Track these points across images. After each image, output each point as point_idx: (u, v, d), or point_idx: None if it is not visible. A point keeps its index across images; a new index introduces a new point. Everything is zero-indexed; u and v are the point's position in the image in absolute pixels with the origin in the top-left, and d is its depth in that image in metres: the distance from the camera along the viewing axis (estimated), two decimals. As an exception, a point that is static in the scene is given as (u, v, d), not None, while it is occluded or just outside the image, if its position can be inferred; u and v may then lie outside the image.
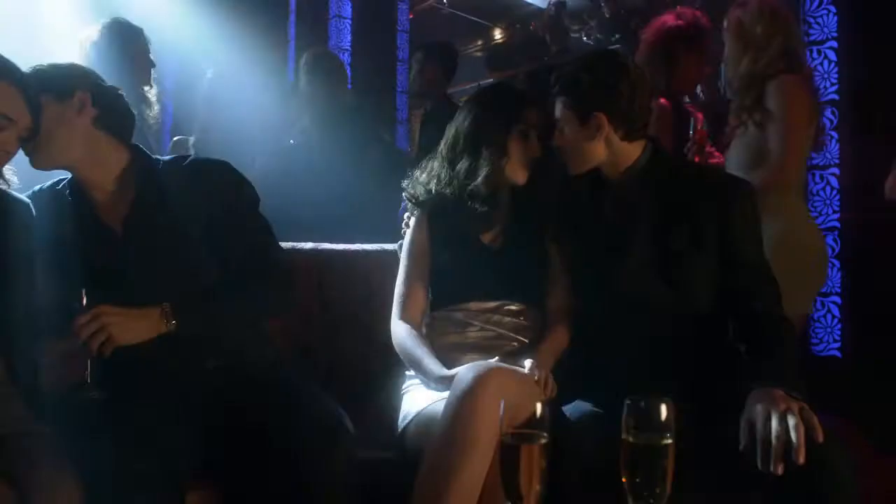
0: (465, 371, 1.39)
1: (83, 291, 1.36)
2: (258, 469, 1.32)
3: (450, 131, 1.79)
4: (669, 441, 0.90)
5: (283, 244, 1.70)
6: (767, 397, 1.23)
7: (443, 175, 1.75)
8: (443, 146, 1.78)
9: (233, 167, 1.61)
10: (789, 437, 1.16)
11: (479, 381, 1.33)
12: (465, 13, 8.85)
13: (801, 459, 1.13)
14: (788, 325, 1.47)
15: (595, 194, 1.65)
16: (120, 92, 1.58)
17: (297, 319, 1.93)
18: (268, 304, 1.60)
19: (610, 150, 1.57)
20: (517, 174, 1.69)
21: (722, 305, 1.51)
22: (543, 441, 0.90)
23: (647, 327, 1.51)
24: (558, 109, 1.60)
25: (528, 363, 1.49)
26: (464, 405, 1.31)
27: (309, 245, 2.09)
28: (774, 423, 1.17)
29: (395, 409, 1.67)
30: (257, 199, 1.61)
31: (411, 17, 6.91)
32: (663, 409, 0.90)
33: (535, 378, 1.45)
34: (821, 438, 1.17)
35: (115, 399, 1.35)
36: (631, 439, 0.91)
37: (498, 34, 9.39)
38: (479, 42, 9.55)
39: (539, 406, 0.92)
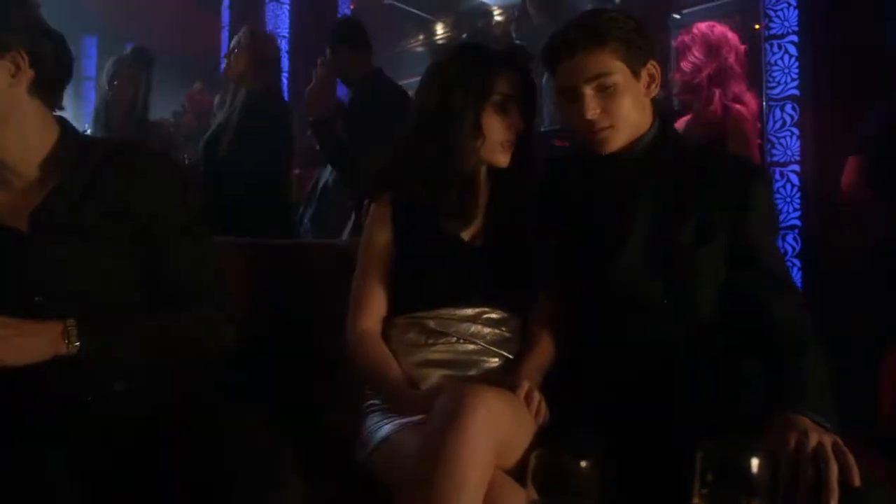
0: (446, 395, 1.13)
1: None
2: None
3: (413, 107, 1.52)
4: (759, 506, 0.65)
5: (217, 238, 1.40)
6: (793, 427, 1.04)
7: (408, 161, 1.48)
8: (406, 126, 1.51)
9: (179, 165, 1.31)
10: (819, 479, 0.97)
11: (467, 408, 1.06)
12: (408, 6, 8.63)
13: None
14: (814, 335, 1.24)
15: (589, 174, 1.42)
16: (61, 37, 1.24)
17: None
18: (197, 338, 1.29)
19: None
20: (497, 156, 1.43)
21: (731, 311, 1.29)
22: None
23: (642, 334, 1.29)
24: (598, 62, 1.30)
25: (520, 385, 1.24)
26: (448, 440, 1.05)
27: (245, 240, 1.80)
28: (802, 461, 0.99)
29: (352, 434, 1.40)
30: (203, 208, 1.30)
31: (353, 7, 6.65)
32: (754, 462, 0.65)
33: (528, 401, 1.22)
34: (857, 481, 0.98)
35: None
36: (707, 504, 0.65)
37: (440, 29, 9.20)
38: (421, 37, 9.35)
39: (583, 462, 0.64)
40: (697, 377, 1.24)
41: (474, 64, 1.44)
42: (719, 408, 1.15)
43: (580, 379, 1.29)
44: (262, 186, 2.80)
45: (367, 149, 2.75)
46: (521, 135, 1.44)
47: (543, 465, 0.66)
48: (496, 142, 1.42)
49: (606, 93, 1.31)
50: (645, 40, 1.33)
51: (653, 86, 1.36)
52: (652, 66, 1.35)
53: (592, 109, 1.30)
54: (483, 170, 1.47)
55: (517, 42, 6.04)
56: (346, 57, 3.07)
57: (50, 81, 1.21)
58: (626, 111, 1.32)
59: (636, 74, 1.33)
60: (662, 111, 1.43)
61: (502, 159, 1.44)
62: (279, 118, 2.96)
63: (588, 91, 1.31)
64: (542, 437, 1.15)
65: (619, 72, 1.30)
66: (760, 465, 0.65)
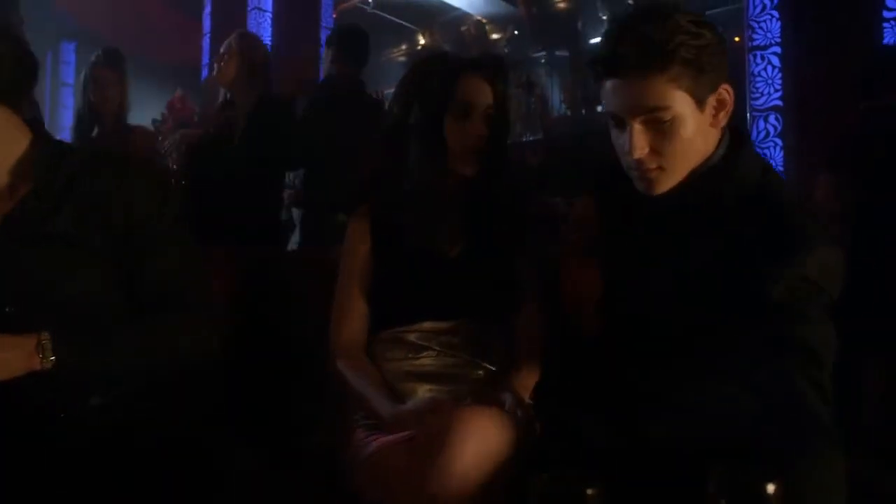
0: (434, 418, 1.12)
1: None
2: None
3: (385, 120, 1.50)
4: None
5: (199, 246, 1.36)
6: None
7: (378, 174, 1.47)
8: (382, 138, 1.49)
9: (159, 173, 1.28)
10: None
11: (455, 437, 1.04)
12: (391, 15, 8.62)
13: None
14: (830, 424, 0.99)
15: (632, 196, 1.16)
16: (21, 40, 1.20)
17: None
18: (177, 347, 1.24)
19: None
20: (461, 165, 1.40)
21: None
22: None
23: (649, 362, 1.13)
24: (654, 93, 1.01)
25: (506, 398, 1.22)
26: (436, 472, 1.03)
27: (227, 248, 1.76)
28: None
29: (338, 449, 1.36)
30: (181, 217, 1.27)
31: (335, 16, 6.64)
32: (769, 487, 0.62)
33: (514, 416, 1.18)
34: None
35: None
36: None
37: (423, 39, 9.20)
38: (404, 47, 9.34)
39: (590, 490, 0.61)
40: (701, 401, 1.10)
41: (434, 73, 1.42)
42: (724, 430, 1.07)
43: (579, 394, 1.23)
44: (262, 193, 2.79)
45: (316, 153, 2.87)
46: (492, 144, 1.41)
47: (546, 491, 0.63)
48: (459, 151, 1.39)
49: (659, 128, 1.03)
50: (720, 58, 1.02)
51: (722, 113, 1.06)
52: (724, 91, 1.05)
53: (640, 148, 1.04)
54: (455, 180, 1.44)
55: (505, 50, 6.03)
56: (328, 59, 3.19)
57: (8, 85, 1.16)
58: (681, 151, 1.05)
59: (701, 104, 1.03)
60: (739, 134, 1.13)
61: (468, 169, 1.41)
62: (285, 124, 2.91)
63: (637, 126, 1.04)
64: (541, 458, 1.12)
65: (679, 104, 1.01)
66: (776, 490, 0.62)
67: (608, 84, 1.05)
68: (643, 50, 0.99)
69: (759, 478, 0.62)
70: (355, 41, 3.22)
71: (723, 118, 1.07)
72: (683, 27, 0.99)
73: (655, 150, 1.04)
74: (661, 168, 1.06)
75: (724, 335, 1.04)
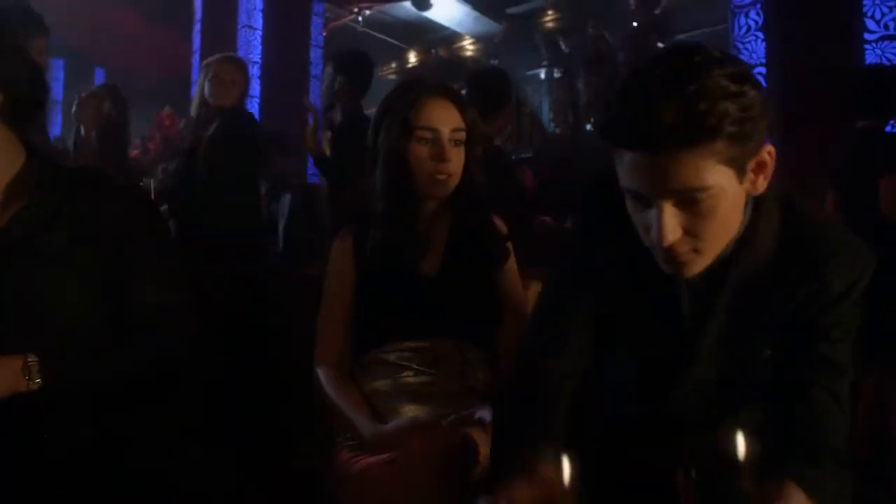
0: (409, 446, 1.14)
1: None
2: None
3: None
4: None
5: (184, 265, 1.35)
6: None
7: (362, 194, 1.48)
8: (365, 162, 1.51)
9: (149, 196, 1.27)
10: None
11: (431, 466, 1.08)
12: (381, 34, 8.68)
13: None
14: (848, 450, 0.95)
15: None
16: (38, 67, 1.22)
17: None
18: (159, 368, 1.23)
19: None
20: (431, 189, 1.41)
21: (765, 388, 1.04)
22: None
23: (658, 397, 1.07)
24: (692, 173, 0.83)
25: (487, 417, 1.22)
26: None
27: (212, 267, 1.75)
28: None
29: (322, 469, 1.36)
30: (169, 240, 1.26)
31: (325, 34, 6.67)
32: (739, 442, 0.60)
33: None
34: None
35: None
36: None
37: (412, 57, 9.25)
38: (394, 65, 9.39)
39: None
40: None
41: (399, 99, 1.43)
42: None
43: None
44: (233, 208, 2.77)
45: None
46: (466, 165, 1.43)
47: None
48: (426, 175, 1.39)
49: (694, 208, 0.87)
50: (764, 119, 0.84)
51: (761, 177, 0.90)
52: (766, 154, 0.88)
53: (672, 233, 0.87)
54: (428, 201, 1.45)
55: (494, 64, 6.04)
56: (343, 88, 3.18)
57: (21, 108, 1.17)
58: (718, 230, 0.90)
59: (742, 173, 0.87)
60: (779, 198, 0.99)
61: (439, 192, 1.41)
62: (246, 137, 2.95)
63: (667, 207, 0.86)
64: None
65: (718, 179, 0.84)
66: (746, 447, 0.59)
67: (628, 157, 0.86)
68: (680, 124, 0.80)
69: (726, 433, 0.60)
70: (362, 68, 3.25)
71: (761, 184, 0.90)
72: (725, 88, 0.81)
73: (689, 233, 0.88)
74: (695, 251, 0.90)
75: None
